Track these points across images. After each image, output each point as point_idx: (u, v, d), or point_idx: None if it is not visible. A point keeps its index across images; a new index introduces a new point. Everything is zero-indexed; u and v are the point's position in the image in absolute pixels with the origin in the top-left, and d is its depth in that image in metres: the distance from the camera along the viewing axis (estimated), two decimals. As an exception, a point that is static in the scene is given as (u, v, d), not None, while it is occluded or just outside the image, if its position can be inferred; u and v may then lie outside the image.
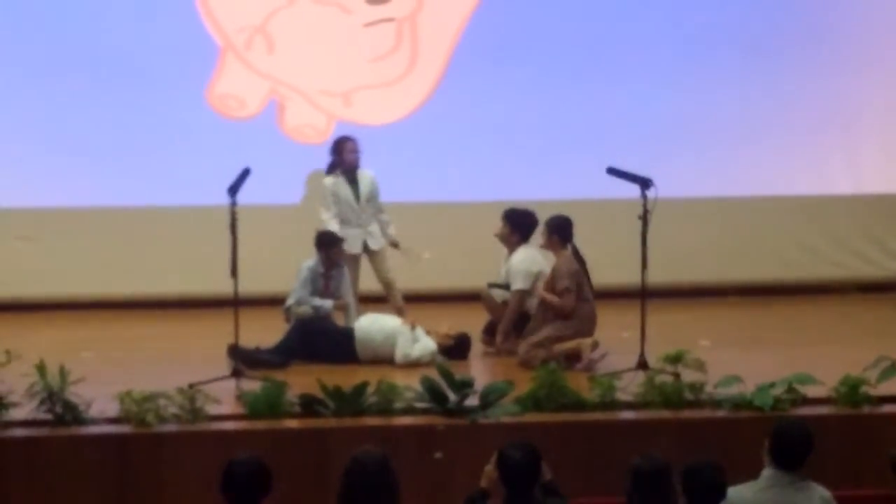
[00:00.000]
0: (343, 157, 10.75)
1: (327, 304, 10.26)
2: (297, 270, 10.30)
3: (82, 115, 12.14)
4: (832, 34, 12.88)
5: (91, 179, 12.19)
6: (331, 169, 10.81)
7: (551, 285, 9.89)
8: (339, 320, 10.35)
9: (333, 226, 10.58)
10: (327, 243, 10.35)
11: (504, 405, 8.38)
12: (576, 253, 10.00)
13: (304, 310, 10.20)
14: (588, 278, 9.95)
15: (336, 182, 10.75)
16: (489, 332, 10.43)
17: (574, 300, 9.78)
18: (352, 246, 10.72)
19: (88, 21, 12.14)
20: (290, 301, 10.30)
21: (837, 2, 12.94)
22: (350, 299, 10.47)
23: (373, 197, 10.82)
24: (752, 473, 6.04)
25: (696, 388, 8.57)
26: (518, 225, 10.34)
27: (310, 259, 10.34)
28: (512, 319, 10.22)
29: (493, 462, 5.82)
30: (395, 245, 10.90)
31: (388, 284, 10.90)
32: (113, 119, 12.15)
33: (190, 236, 12.07)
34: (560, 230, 9.97)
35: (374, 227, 10.84)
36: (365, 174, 10.81)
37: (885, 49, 12.97)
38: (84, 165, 12.17)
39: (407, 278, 11.18)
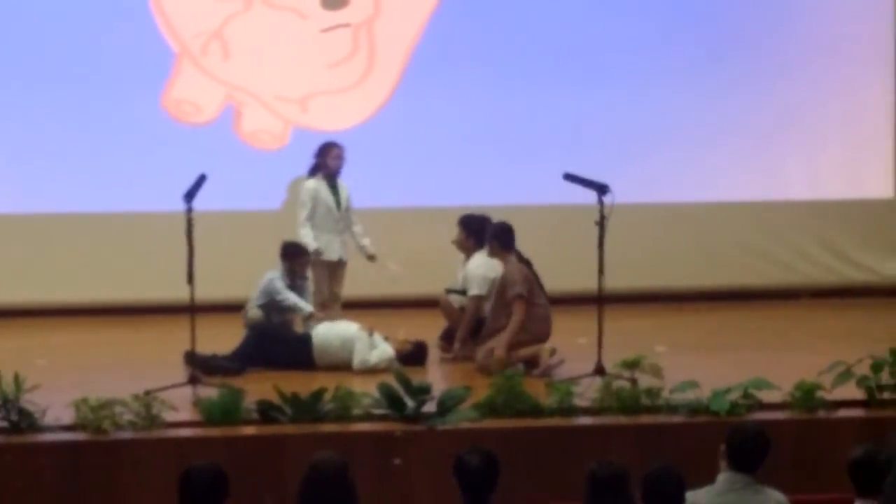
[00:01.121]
0: (327, 163, 10.69)
1: (308, 308, 10.19)
2: (265, 280, 10.14)
3: (36, 120, 12.07)
4: (788, 41, 12.98)
5: (45, 185, 12.12)
6: (312, 172, 10.76)
7: (501, 292, 9.89)
8: (298, 326, 10.30)
9: (308, 232, 10.52)
10: (292, 254, 10.28)
11: (462, 411, 8.37)
12: (520, 257, 9.99)
13: (252, 314, 10.13)
14: (538, 280, 9.96)
15: (318, 186, 10.69)
16: (447, 338, 10.41)
17: (525, 307, 9.77)
18: (328, 252, 10.66)
19: (43, 26, 12.08)
20: (252, 304, 10.21)
21: (793, 9, 13.03)
22: (310, 310, 10.39)
23: (349, 206, 10.80)
24: (708, 478, 6.05)
25: (653, 393, 8.60)
26: (474, 231, 10.32)
27: (274, 269, 10.23)
28: (469, 325, 10.21)
29: None
30: (371, 258, 10.86)
31: (335, 298, 10.84)
32: (67, 124, 12.10)
33: (145, 242, 12.01)
34: (499, 237, 9.94)
35: (347, 238, 10.80)
36: (343, 184, 10.77)
37: (840, 55, 13.06)
38: (37, 171, 12.10)
39: (363, 285, 11.18)
